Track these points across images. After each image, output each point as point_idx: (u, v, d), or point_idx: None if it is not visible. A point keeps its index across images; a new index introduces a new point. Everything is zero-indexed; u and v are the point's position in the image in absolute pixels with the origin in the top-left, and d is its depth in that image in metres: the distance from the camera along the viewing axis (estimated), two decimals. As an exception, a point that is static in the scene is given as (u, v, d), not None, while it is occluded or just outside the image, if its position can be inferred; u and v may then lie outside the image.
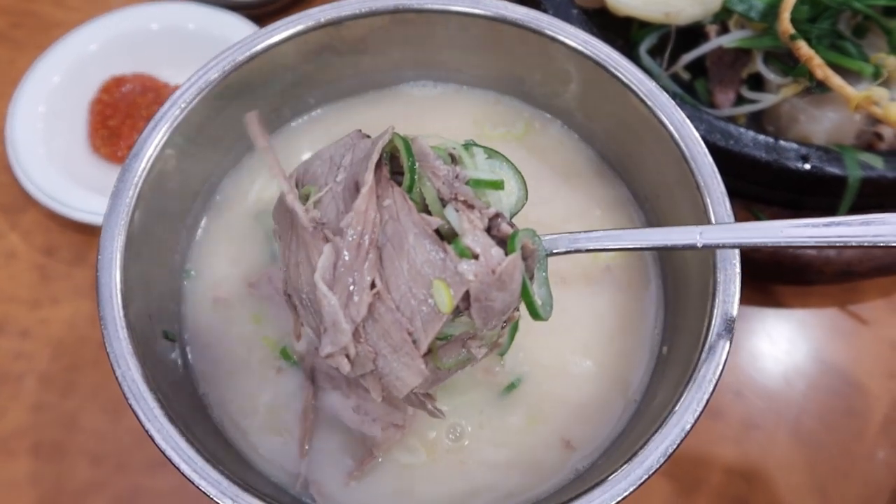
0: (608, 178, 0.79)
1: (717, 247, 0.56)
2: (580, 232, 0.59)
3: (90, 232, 0.96)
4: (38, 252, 0.96)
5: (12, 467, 0.83)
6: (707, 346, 0.60)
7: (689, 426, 0.57)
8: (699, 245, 0.56)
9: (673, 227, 0.58)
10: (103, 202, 0.89)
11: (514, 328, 0.59)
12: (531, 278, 0.53)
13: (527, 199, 0.57)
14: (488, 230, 0.51)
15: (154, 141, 0.67)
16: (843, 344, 0.92)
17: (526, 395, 0.68)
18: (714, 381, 0.58)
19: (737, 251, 0.63)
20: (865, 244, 0.53)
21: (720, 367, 0.59)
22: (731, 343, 0.60)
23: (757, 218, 0.86)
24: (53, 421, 0.85)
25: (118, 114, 0.99)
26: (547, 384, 0.69)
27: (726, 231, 0.57)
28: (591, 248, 0.59)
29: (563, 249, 0.59)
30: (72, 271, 0.94)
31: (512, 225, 0.52)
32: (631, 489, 0.55)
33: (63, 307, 0.92)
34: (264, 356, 0.70)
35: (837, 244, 0.54)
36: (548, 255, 0.56)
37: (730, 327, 0.60)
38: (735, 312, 0.61)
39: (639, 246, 0.58)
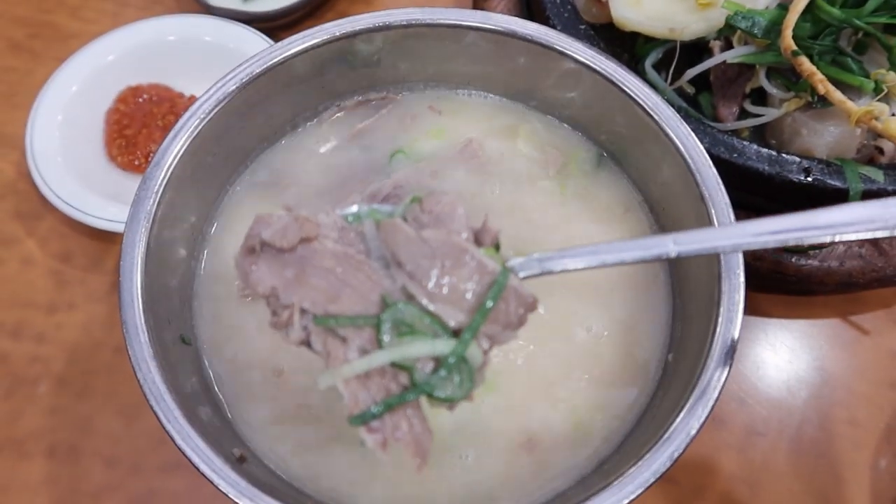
0: (619, 187, 0.81)
1: (690, 255, 0.55)
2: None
3: (106, 239, 0.98)
4: (55, 258, 0.98)
5: (28, 469, 0.84)
6: (712, 353, 0.62)
7: (694, 431, 0.59)
8: (673, 255, 0.54)
9: (646, 238, 0.56)
10: (120, 210, 0.92)
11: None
12: None
13: None
14: None
15: (174, 151, 0.69)
16: (844, 354, 0.93)
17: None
18: (719, 387, 0.60)
19: (741, 261, 0.65)
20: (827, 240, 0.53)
21: (725, 373, 0.61)
22: (735, 350, 0.61)
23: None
24: (69, 424, 0.87)
25: (134, 123, 1.01)
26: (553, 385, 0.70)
27: (698, 237, 0.55)
28: (562, 268, 0.55)
29: (531, 273, 0.54)
30: (87, 277, 0.96)
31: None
32: (639, 491, 0.56)
33: (78, 312, 0.94)
34: (278, 360, 0.72)
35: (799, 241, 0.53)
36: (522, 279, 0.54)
37: (734, 336, 0.62)
38: (739, 322, 0.63)
39: (613, 260, 0.55)
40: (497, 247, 0.54)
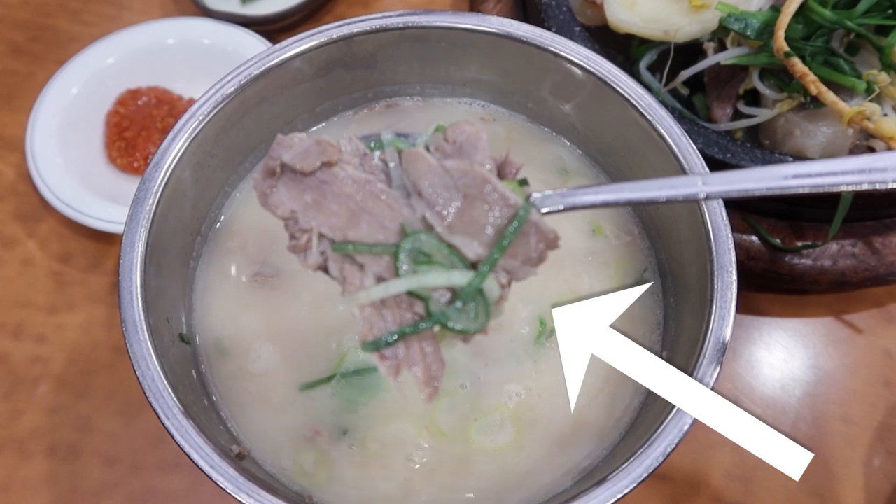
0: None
1: (720, 196, 0.53)
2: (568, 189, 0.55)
3: (105, 240, 0.99)
4: (55, 259, 0.98)
5: (29, 468, 0.85)
6: (705, 351, 0.62)
7: (687, 427, 0.59)
8: (702, 195, 0.53)
9: (673, 178, 0.54)
10: (119, 211, 0.93)
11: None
12: None
13: None
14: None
15: (173, 151, 0.70)
16: (838, 352, 0.94)
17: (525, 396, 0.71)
18: (711, 384, 0.61)
19: (733, 260, 0.65)
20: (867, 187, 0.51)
21: (717, 371, 0.61)
22: (727, 348, 0.62)
23: (754, 229, 0.89)
24: (69, 423, 0.88)
25: (134, 126, 1.02)
26: (547, 387, 0.71)
27: (728, 178, 0.53)
28: (585, 203, 0.54)
29: (554, 208, 0.54)
30: (87, 278, 0.97)
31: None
32: (631, 487, 0.57)
33: (78, 313, 0.95)
34: (278, 360, 0.72)
35: (842, 188, 0.51)
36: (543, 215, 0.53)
37: (727, 334, 0.63)
38: (732, 320, 0.63)
39: (637, 198, 0.54)
40: (522, 181, 0.53)
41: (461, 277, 0.49)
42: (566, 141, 0.85)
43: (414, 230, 0.50)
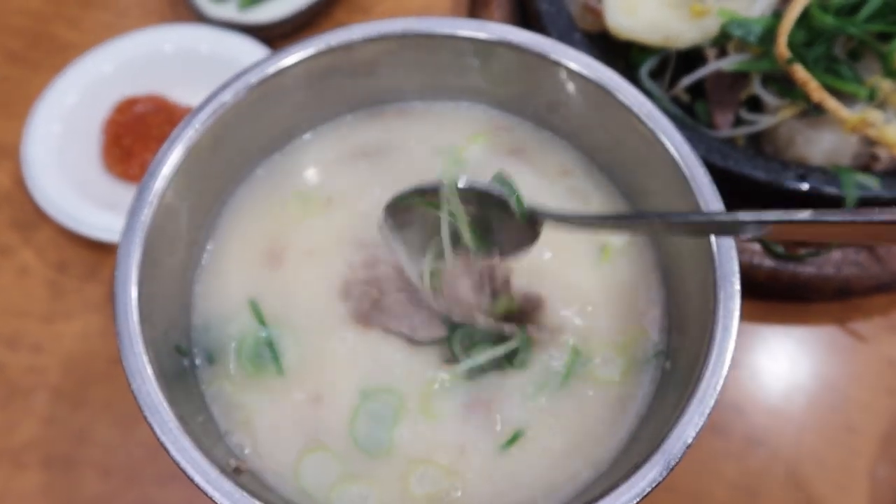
0: (610, 195, 0.81)
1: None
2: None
3: (102, 249, 0.98)
4: (51, 268, 0.98)
5: (24, 480, 0.84)
6: (708, 362, 0.61)
7: (690, 439, 0.58)
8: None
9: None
10: (116, 219, 0.92)
11: None
12: None
13: None
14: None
15: (170, 161, 0.69)
16: (842, 361, 0.93)
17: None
18: (715, 396, 0.60)
19: (736, 269, 0.65)
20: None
21: (721, 382, 0.60)
22: (731, 359, 0.61)
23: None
24: (65, 434, 0.87)
25: (131, 133, 1.01)
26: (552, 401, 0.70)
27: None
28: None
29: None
30: (84, 287, 0.96)
31: None
32: (635, 501, 0.56)
33: (75, 322, 0.94)
34: (270, 373, 0.72)
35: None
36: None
37: (730, 345, 0.62)
38: (735, 330, 0.63)
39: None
40: (518, 199, 0.66)
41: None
42: (571, 147, 0.84)
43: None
